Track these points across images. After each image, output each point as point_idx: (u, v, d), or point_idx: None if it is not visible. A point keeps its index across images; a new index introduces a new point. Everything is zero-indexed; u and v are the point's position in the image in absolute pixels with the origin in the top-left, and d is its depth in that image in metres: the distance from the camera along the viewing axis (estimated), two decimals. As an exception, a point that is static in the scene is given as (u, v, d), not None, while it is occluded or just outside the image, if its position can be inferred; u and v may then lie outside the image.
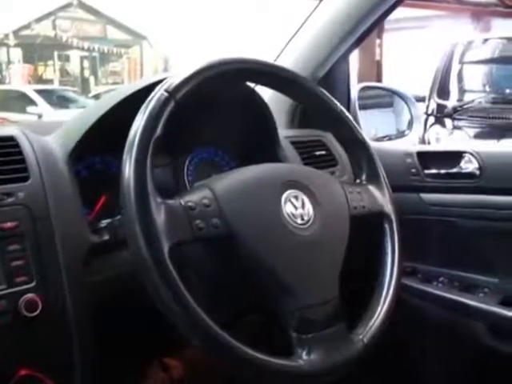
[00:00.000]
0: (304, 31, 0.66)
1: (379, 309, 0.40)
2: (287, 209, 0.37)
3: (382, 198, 0.44)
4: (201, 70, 0.38)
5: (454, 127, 2.31)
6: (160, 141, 0.35)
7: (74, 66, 9.74)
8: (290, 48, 0.67)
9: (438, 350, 0.61)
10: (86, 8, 9.53)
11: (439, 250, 0.64)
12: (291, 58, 0.66)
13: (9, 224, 0.38)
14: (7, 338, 0.37)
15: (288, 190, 0.38)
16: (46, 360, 0.38)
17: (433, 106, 2.43)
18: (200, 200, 0.35)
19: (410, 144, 0.82)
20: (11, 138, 0.43)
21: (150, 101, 0.36)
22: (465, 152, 0.62)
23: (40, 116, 4.76)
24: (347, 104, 0.71)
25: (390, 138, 0.86)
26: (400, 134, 0.85)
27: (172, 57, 9.65)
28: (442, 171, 0.64)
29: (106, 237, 0.41)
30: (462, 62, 2.47)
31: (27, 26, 8.97)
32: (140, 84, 0.46)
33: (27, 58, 9.10)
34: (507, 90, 2.40)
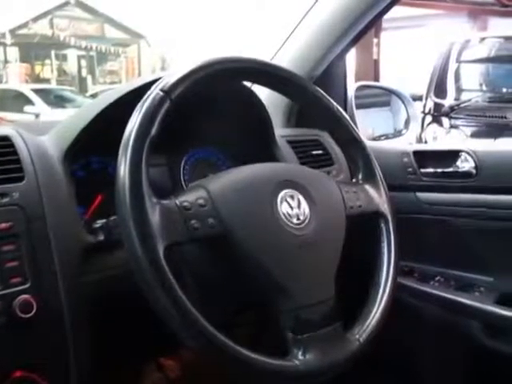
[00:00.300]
0: (301, 30, 0.65)
1: (375, 308, 0.40)
2: (283, 208, 0.37)
3: (378, 197, 0.44)
4: (196, 70, 0.38)
5: (451, 126, 2.32)
6: (155, 140, 0.35)
7: (71, 65, 9.70)
8: (286, 47, 0.67)
9: (435, 348, 0.61)
10: (83, 7, 9.49)
11: (435, 249, 0.65)
12: (288, 56, 0.66)
13: (3, 225, 0.38)
14: (2, 339, 0.36)
15: (284, 190, 0.38)
16: (42, 361, 0.38)
17: (430, 104, 2.43)
18: (195, 200, 0.35)
19: (406, 143, 0.83)
20: (6, 138, 0.43)
21: (146, 100, 0.36)
22: (461, 151, 0.63)
23: (37, 115, 4.74)
24: (344, 103, 0.71)
25: (387, 137, 0.86)
26: (397, 133, 0.85)
27: (170, 56, 9.63)
28: (439, 170, 0.64)
29: (102, 237, 0.41)
30: (459, 61, 2.48)
31: (24, 25, 8.92)
32: (136, 83, 0.46)
33: (24, 57, 9.05)
34: (504, 89, 2.41)
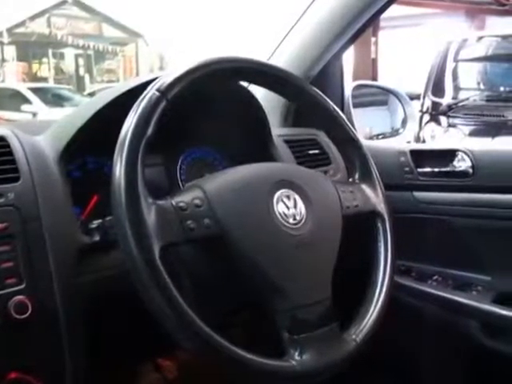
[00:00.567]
0: (297, 29, 0.65)
1: (372, 308, 0.40)
2: (279, 208, 0.37)
3: (374, 197, 0.44)
4: (193, 70, 0.38)
5: (449, 125, 2.32)
6: (151, 141, 0.35)
7: (68, 64, 9.66)
8: (283, 47, 0.66)
9: (432, 348, 0.61)
10: (80, 5, 9.45)
11: (433, 248, 0.65)
12: (284, 56, 0.66)
13: None
14: None
15: (280, 190, 0.38)
16: (37, 362, 0.38)
17: (428, 103, 2.44)
18: (191, 200, 0.35)
19: (404, 142, 0.83)
20: (1, 138, 0.42)
21: (142, 100, 0.35)
22: (458, 150, 0.63)
23: (35, 114, 4.72)
24: (341, 102, 0.71)
25: (384, 136, 0.86)
26: (394, 132, 0.85)
27: (168, 55, 9.61)
28: (436, 169, 0.64)
29: (97, 237, 0.41)
30: (456, 60, 2.48)
31: (21, 24, 8.87)
32: (132, 83, 0.46)
33: (21, 56, 9.00)
34: (502, 88, 2.41)
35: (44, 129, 0.47)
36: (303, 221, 0.38)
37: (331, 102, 0.45)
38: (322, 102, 0.44)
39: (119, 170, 0.33)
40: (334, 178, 0.58)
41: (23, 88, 5.29)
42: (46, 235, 0.39)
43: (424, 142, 2.30)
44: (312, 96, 0.44)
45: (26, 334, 0.37)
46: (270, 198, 0.37)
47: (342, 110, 0.70)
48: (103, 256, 0.41)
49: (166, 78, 0.37)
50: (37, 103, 4.92)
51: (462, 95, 2.42)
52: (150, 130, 0.34)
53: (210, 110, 0.52)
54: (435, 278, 0.63)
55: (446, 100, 2.40)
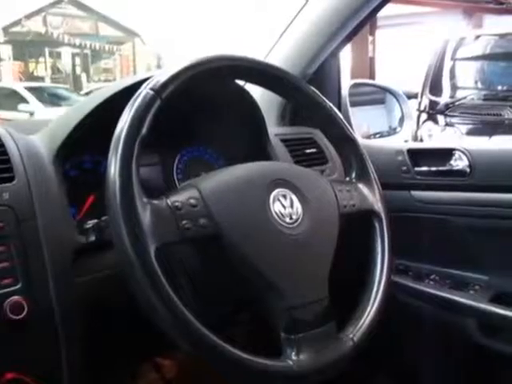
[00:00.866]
0: (294, 28, 0.65)
1: (369, 307, 0.40)
2: (275, 208, 0.37)
3: (371, 196, 0.44)
4: (187, 68, 0.37)
5: (447, 124, 2.33)
6: (146, 140, 0.34)
7: (65, 63, 9.62)
8: (279, 45, 0.66)
9: (430, 347, 0.61)
10: (77, 4, 9.39)
11: (430, 247, 0.64)
12: (281, 55, 0.65)
13: None
14: None
15: (276, 189, 0.38)
16: (33, 363, 0.38)
17: (425, 102, 2.44)
18: (187, 200, 0.35)
19: (401, 141, 0.83)
20: None
21: (135, 100, 0.35)
22: (455, 149, 0.63)
23: (32, 113, 4.69)
24: (338, 101, 0.71)
25: (381, 134, 0.86)
26: (392, 131, 0.85)
27: (165, 54, 9.57)
28: (433, 169, 0.64)
29: (93, 237, 0.41)
30: (454, 59, 2.48)
31: (17, 23, 8.82)
32: (128, 81, 0.45)
33: (18, 55, 8.95)
34: (499, 87, 2.42)
35: (40, 128, 0.47)
36: (300, 220, 0.38)
37: (328, 101, 0.45)
38: (319, 100, 0.44)
39: (113, 169, 0.33)
40: (330, 177, 0.58)
41: (20, 87, 5.26)
42: (41, 235, 0.39)
43: (422, 140, 2.30)
44: (308, 95, 0.44)
45: (22, 335, 0.37)
46: (267, 198, 0.37)
47: (339, 108, 0.70)
48: (99, 256, 0.41)
49: (160, 76, 0.36)
50: (33, 102, 4.90)
51: (459, 94, 2.43)
52: (144, 130, 0.34)
53: (207, 108, 0.51)
54: (432, 277, 0.63)
55: (444, 99, 2.40)
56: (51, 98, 5.26)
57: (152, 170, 0.52)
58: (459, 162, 0.62)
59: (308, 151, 0.61)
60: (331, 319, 0.37)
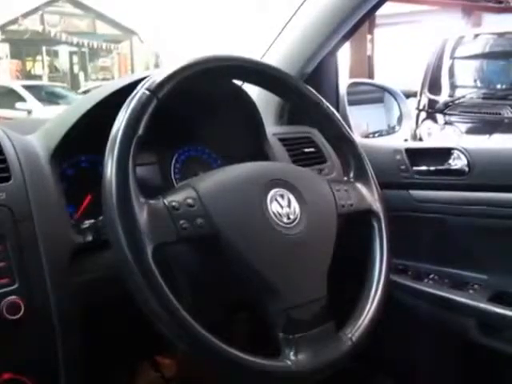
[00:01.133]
0: (291, 27, 0.64)
1: (368, 307, 0.39)
2: (273, 208, 0.37)
3: (370, 195, 0.44)
4: (184, 68, 0.37)
5: (446, 122, 2.33)
6: (142, 140, 0.34)
7: (62, 62, 9.58)
8: (277, 44, 0.66)
9: (429, 346, 0.61)
10: (74, 2, 9.35)
11: (429, 246, 0.64)
12: (278, 54, 0.65)
13: None
14: None
15: (274, 189, 0.38)
16: (31, 363, 0.38)
17: (424, 101, 2.44)
18: (184, 200, 0.34)
19: (401, 140, 0.83)
20: None
21: (132, 99, 0.35)
22: (453, 149, 0.62)
23: (29, 112, 4.68)
24: (336, 100, 0.70)
25: (380, 133, 0.86)
26: (391, 130, 0.85)
27: (163, 52, 9.53)
28: (431, 168, 0.64)
29: (90, 237, 0.41)
30: (453, 58, 2.48)
31: (14, 21, 8.77)
32: (125, 80, 0.45)
33: (15, 54, 8.91)
34: (498, 86, 2.42)
35: (37, 127, 0.46)
36: (297, 220, 0.38)
37: (325, 101, 0.45)
38: (316, 100, 0.44)
39: (110, 169, 0.33)
40: (329, 177, 0.58)
41: (17, 86, 5.24)
42: (38, 235, 0.39)
43: (421, 139, 2.30)
44: (306, 94, 0.44)
45: (19, 335, 0.37)
46: (264, 197, 0.37)
47: (337, 108, 0.70)
48: (97, 256, 0.41)
49: (157, 76, 0.36)
50: (31, 101, 4.88)
51: (458, 93, 2.43)
52: (140, 130, 0.34)
53: (204, 108, 0.51)
54: (431, 276, 0.63)
55: (443, 97, 2.40)
56: (49, 97, 5.24)
57: (149, 170, 0.52)
58: (458, 162, 0.62)
59: (306, 150, 0.61)
60: (330, 319, 0.37)
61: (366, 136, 0.81)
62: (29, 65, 9.30)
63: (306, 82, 0.45)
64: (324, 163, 0.61)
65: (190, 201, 0.34)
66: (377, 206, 0.44)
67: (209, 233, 0.34)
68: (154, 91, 0.35)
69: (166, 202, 0.34)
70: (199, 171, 0.52)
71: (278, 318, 0.35)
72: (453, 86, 2.47)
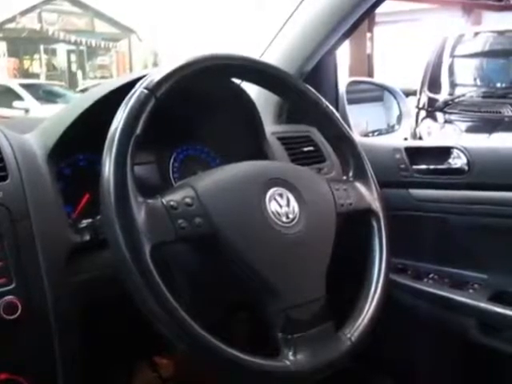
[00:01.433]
0: (290, 25, 0.64)
1: (367, 307, 0.39)
2: (272, 207, 0.37)
3: (369, 194, 0.43)
4: (182, 67, 0.37)
5: (446, 121, 2.33)
6: (141, 139, 0.34)
7: (60, 60, 9.54)
8: (276, 43, 0.65)
9: (428, 346, 0.61)
10: (72, 1, 9.30)
11: (429, 246, 0.64)
12: (277, 53, 0.65)
13: None
14: None
15: (272, 188, 0.38)
16: (28, 363, 0.37)
17: (424, 99, 2.44)
18: (182, 199, 0.34)
19: (400, 139, 0.82)
20: None
21: (130, 98, 0.35)
22: (453, 147, 0.62)
23: (27, 111, 4.66)
24: (335, 99, 0.70)
25: (380, 132, 0.85)
26: (390, 129, 0.85)
27: (162, 50, 9.50)
28: (431, 167, 0.64)
29: (88, 237, 0.40)
30: (453, 56, 2.48)
31: (12, 19, 8.73)
32: (123, 79, 0.45)
33: (12, 52, 8.87)
34: (498, 84, 2.42)
35: (34, 126, 0.46)
36: (296, 219, 0.37)
37: (324, 99, 0.44)
38: (315, 98, 0.44)
39: (108, 169, 0.33)
40: (328, 176, 0.58)
41: (14, 84, 5.22)
42: (35, 235, 0.38)
43: (420, 138, 2.30)
44: (305, 93, 0.43)
45: (16, 335, 0.37)
46: (263, 197, 0.37)
47: (337, 106, 0.70)
48: (94, 255, 0.41)
49: (155, 75, 0.36)
50: (28, 99, 4.87)
51: (458, 91, 2.42)
52: (138, 129, 0.34)
53: (203, 107, 0.51)
54: (431, 276, 0.63)
55: (443, 96, 2.40)
56: (46, 95, 5.22)
57: (148, 169, 0.52)
58: (457, 160, 0.62)
59: (305, 149, 0.61)
60: (329, 319, 0.37)
61: (366, 135, 0.81)
62: (26, 63, 9.27)
63: (305, 81, 0.45)
64: (323, 162, 0.61)
65: (188, 200, 0.34)
66: (376, 205, 0.43)
67: (207, 232, 0.34)
68: (153, 90, 0.35)
69: (164, 201, 0.34)
70: (198, 170, 0.52)
71: (277, 318, 0.35)
72: (453, 85, 2.46)
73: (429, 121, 2.39)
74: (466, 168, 0.61)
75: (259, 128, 0.54)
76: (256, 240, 0.36)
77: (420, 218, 0.64)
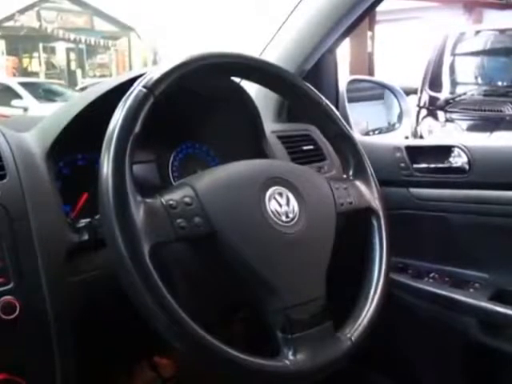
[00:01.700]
0: (290, 23, 0.64)
1: (367, 306, 0.39)
2: (271, 206, 0.37)
3: (369, 193, 0.43)
4: (180, 65, 0.37)
5: (447, 120, 2.32)
6: (139, 138, 0.34)
7: (60, 59, 9.51)
8: (276, 41, 0.65)
9: (429, 345, 0.61)
10: (70, -2, 9.25)
11: (429, 245, 0.64)
12: (277, 51, 0.64)
13: None
14: None
15: (272, 187, 0.37)
16: (26, 363, 0.37)
17: (425, 98, 2.43)
18: (181, 198, 0.34)
19: (402, 137, 0.82)
20: None
21: (128, 97, 0.35)
22: (454, 146, 0.62)
23: (26, 109, 4.65)
24: (335, 97, 0.70)
25: (381, 131, 0.85)
26: (391, 128, 0.85)
27: (161, 48, 9.47)
28: (432, 165, 0.63)
29: (86, 236, 0.40)
30: (454, 54, 2.47)
31: (10, 17, 8.69)
32: (122, 78, 0.44)
33: (11, 50, 8.84)
34: (499, 83, 2.41)
35: (33, 125, 0.46)
36: (296, 218, 0.37)
37: (324, 98, 0.44)
38: (315, 97, 0.43)
39: (106, 168, 0.32)
40: (328, 174, 0.58)
41: (13, 83, 5.20)
42: (33, 234, 0.38)
43: (421, 137, 2.30)
44: (304, 91, 0.43)
45: (15, 335, 0.36)
46: (262, 196, 0.37)
47: (337, 105, 0.69)
48: (93, 255, 0.41)
49: (153, 73, 0.36)
50: (27, 98, 4.85)
51: (459, 90, 2.41)
52: (137, 127, 0.34)
53: (202, 105, 0.51)
54: (432, 275, 0.62)
55: (444, 94, 2.39)
56: (45, 94, 5.21)
57: (147, 168, 0.51)
58: (458, 159, 0.62)
59: (305, 148, 0.60)
60: (329, 318, 0.37)
61: (366, 133, 0.80)
62: (25, 62, 9.24)
63: (305, 79, 0.45)
64: (323, 161, 0.61)
65: (187, 199, 0.34)
66: (376, 204, 0.43)
67: (207, 232, 0.34)
68: (151, 88, 0.35)
69: (163, 200, 0.33)
70: (198, 169, 0.51)
71: (277, 318, 0.35)
72: (454, 83, 2.45)
73: (430, 119, 2.38)
74: (467, 167, 0.60)
75: (259, 127, 0.54)
76: (256, 239, 0.35)
77: (420, 216, 0.64)
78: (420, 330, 0.62)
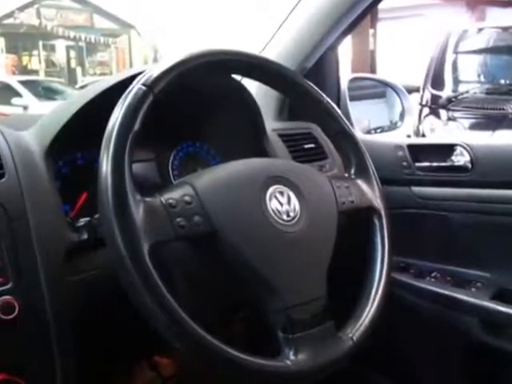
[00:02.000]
0: (291, 21, 0.63)
1: (369, 306, 0.39)
2: (272, 205, 0.36)
3: (370, 192, 0.43)
4: (180, 63, 0.36)
5: (449, 118, 2.31)
6: (139, 136, 0.34)
7: (59, 56, 9.49)
8: (276, 38, 0.64)
9: (431, 344, 0.61)
10: (71, -4, 9.22)
11: (431, 244, 0.64)
12: (278, 48, 0.64)
13: None
14: None
15: (273, 186, 0.37)
16: (25, 364, 0.37)
17: (427, 96, 2.41)
18: (181, 197, 0.34)
19: (404, 136, 0.82)
20: None
21: (127, 95, 0.34)
22: (456, 145, 0.61)
23: (25, 108, 4.64)
24: (337, 95, 0.69)
25: (382, 129, 0.85)
26: (393, 126, 0.84)
27: (162, 46, 9.44)
28: (434, 164, 0.63)
29: (85, 236, 0.40)
30: (456, 52, 2.45)
31: (10, 15, 8.68)
32: (121, 76, 0.44)
33: (11, 48, 8.83)
34: (502, 81, 2.40)
35: (32, 123, 0.46)
36: (297, 217, 0.37)
37: (325, 96, 0.44)
38: (315, 94, 0.43)
39: (106, 166, 0.32)
40: (330, 173, 0.57)
41: (13, 81, 5.20)
42: (32, 233, 0.38)
43: (423, 135, 2.29)
44: (305, 89, 0.43)
45: (14, 335, 0.36)
46: (263, 195, 0.36)
47: (338, 103, 0.69)
48: (93, 254, 0.40)
49: (153, 71, 0.35)
50: (27, 96, 4.85)
51: (461, 88, 2.40)
52: (136, 126, 0.33)
53: (203, 103, 0.50)
54: (434, 274, 0.62)
55: (446, 93, 2.37)
56: (45, 92, 5.20)
57: (147, 167, 0.51)
58: (460, 158, 0.61)
59: (307, 146, 0.60)
60: (330, 318, 0.37)
61: (368, 132, 0.80)
62: (25, 60, 9.22)
63: (307, 77, 0.45)
64: (325, 159, 0.60)
65: (187, 198, 0.34)
66: (378, 203, 0.43)
67: (207, 231, 0.34)
68: (150, 86, 0.34)
69: (162, 199, 0.33)
70: (198, 168, 0.51)
71: (278, 318, 0.35)
72: (456, 81, 2.44)
73: (432, 118, 2.37)
74: (470, 165, 0.60)
75: (260, 125, 0.54)
76: (256, 238, 0.35)
77: (422, 215, 0.63)
78: (421, 330, 0.62)
